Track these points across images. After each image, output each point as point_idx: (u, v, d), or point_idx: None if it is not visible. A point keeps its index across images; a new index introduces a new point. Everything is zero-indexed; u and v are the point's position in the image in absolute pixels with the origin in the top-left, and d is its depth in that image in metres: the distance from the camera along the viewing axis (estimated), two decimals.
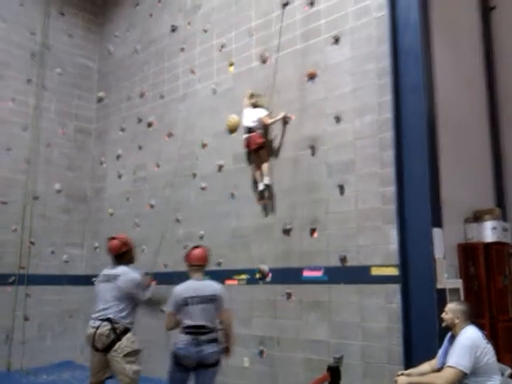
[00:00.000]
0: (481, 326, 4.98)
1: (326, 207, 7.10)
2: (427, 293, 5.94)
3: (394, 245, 6.29)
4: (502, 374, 4.65)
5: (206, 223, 8.62)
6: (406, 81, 6.50)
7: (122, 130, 10.82)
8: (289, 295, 7.30)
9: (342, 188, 6.95)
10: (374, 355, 6.32)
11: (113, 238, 5.92)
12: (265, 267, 7.64)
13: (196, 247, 5.88)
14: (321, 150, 7.28)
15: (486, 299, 7.06)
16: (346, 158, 6.96)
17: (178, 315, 5.43)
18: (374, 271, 6.46)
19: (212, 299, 5.43)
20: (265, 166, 7.75)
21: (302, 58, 7.73)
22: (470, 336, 4.54)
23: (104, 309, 5.51)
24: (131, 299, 5.58)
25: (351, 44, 7.15)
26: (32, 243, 10.22)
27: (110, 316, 5.43)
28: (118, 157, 10.76)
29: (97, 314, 5.54)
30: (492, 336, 6.57)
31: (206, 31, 9.35)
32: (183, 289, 5.53)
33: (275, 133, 7.85)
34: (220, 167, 8.59)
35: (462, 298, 6.56)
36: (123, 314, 5.48)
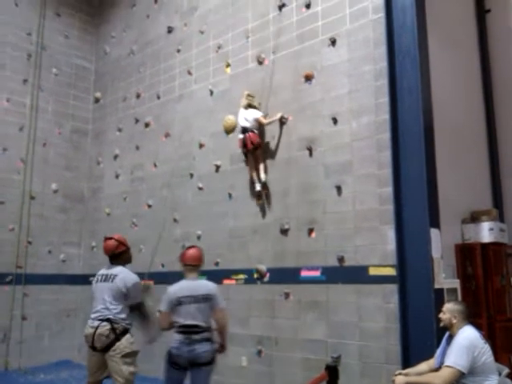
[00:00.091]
0: (478, 326, 5.03)
1: (323, 208, 7.13)
2: (425, 293, 5.96)
3: (391, 245, 6.32)
4: (500, 374, 4.70)
5: (204, 223, 8.65)
6: (402, 82, 6.53)
7: (119, 130, 10.83)
8: (287, 295, 7.33)
9: (339, 189, 6.97)
10: (371, 355, 6.36)
11: (109, 238, 5.91)
12: (263, 267, 7.66)
13: (190, 247, 5.92)
14: (318, 151, 7.31)
15: (484, 299, 7.11)
16: (344, 159, 6.99)
17: (172, 315, 5.46)
18: (372, 271, 6.49)
19: (206, 299, 5.45)
20: (261, 166, 7.79)
21: (298, 59, 7.75)
22: (467, 336, 4.57)
23: (103, 309, 5.50)
24: (128, 300, 5.59)
25: (348, 46, 7.17)
26: (29, 243, 10.24)
27: (110, 316, 5.42)
28: (116, 157, 10.76)
29: (96, 314, 5.53)
30: (489, 336, 6.63)
31: (202, 32, 9.36)
32: (177, 288, 5.56)
33: (273, 134, 7.87)
34: (217, 167, 8.61)
35: (460, 298, 6.60)
36: (122, 314, 5.48)
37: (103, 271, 5.79)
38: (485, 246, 7.34)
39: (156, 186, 9.69)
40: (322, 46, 7.47)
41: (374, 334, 6.37)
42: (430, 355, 5.11)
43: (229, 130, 8.52)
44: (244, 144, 7.81)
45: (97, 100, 11.63)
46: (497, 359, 4.92)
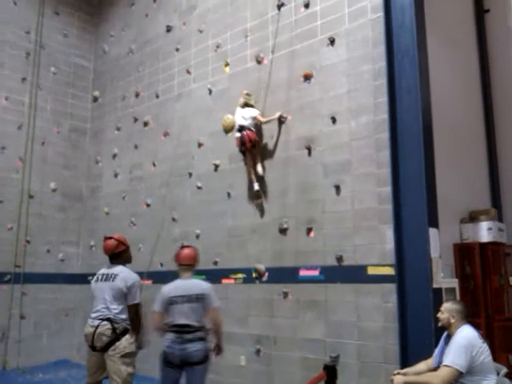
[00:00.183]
0: (477, 326, 5.04)
1: (322, 207, 7.13)
2: (423, 292, 5.96)
3: (390, 244, 6.32)
4: (498, 374, 4.70)
5: (202, 222, 8.65)
6: (401, 82, 6.53)
7: (118, 129, 10.83)
8: (285, 294, 7.33)
9: (338, 188, 6.97)
10: (370, 354, 6.37)
11: (109, 238, 5.90)
12: (261, 266, 7.66)
13: (185, 247, 5.94)
14: (317, 151, 7.31)
15: (482, 299, 7.13)
16: (342, 159, 6.99)
17: (166, 315, 5.48)
18: (371, 271, 6.49)
19: (199, 298, 5.46)
20: (259, 164, 7.79)
21: (297, 59, 7.75)
22: (465, 335, 4.57)
23: (103, 308, 5.49)
24: (128, 300, 5.56)
25: (347, 45, 7.17)
26: (28, 242, 10.23)
27: (110, 316, 5.42)
28: (114, 156, 10.76)
29: (96, 314, 5.53)
30: (488, 335, 6.64)
31: (201, 31, 9.35)
32: (171, 288, 5.58)
33: (271, 133, 7.87)
34: (216, 167, 8.61)
35: (458, 297, 6.61)
36: (123, 314, 5.48)
37: (104, 271, 5.78)
38: (483, 246, 7.36)
39: (155, 185, 9.69)
40: (321, 45, 7.47)
41: (373, 334, 6.37)
42: (428, 355, 5.11)
43: (228, 129, 8.51)
44: (242, 142, 7.77)
45: (95, 99, 11.62)
46: (495, 359, 4.92)
